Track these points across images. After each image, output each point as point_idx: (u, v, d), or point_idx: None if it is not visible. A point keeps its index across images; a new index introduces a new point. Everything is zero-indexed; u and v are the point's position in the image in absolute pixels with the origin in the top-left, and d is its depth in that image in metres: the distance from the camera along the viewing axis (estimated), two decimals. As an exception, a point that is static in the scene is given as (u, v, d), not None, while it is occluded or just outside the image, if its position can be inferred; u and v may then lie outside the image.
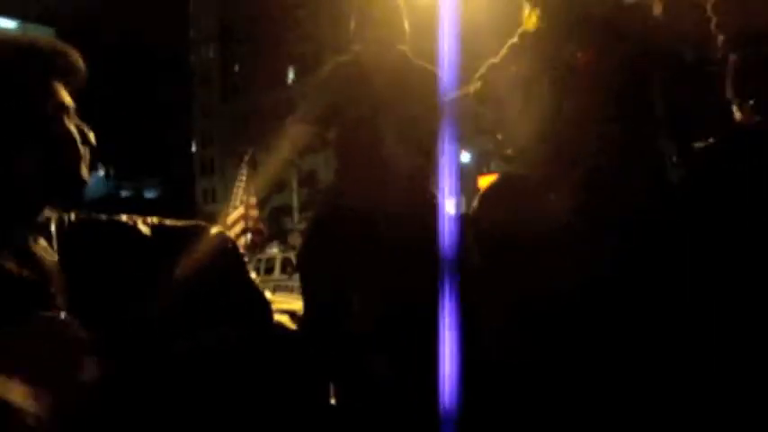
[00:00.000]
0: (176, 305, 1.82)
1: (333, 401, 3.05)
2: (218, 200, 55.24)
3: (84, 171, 1.65)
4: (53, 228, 1.75)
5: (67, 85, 1.63)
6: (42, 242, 1.63)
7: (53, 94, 1.58)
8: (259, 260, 20.27)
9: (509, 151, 2.83)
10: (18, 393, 1.33)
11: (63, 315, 1.47)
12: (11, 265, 1.51)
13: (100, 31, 46.88)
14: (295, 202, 44.03)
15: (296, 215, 43.53)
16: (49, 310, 1.51)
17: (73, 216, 1.82)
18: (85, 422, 1.44)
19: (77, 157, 1.62)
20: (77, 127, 1.63)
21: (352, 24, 3.38)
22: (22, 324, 1.41)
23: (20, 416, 1.32)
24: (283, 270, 20.87)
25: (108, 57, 47.05)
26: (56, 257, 1.64)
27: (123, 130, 47.98)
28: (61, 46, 1.62)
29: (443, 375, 2.82)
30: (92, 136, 1.66)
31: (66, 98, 1.61)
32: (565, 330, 2.49)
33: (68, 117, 1.61)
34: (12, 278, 1.49)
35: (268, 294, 2.26)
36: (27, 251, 1.58)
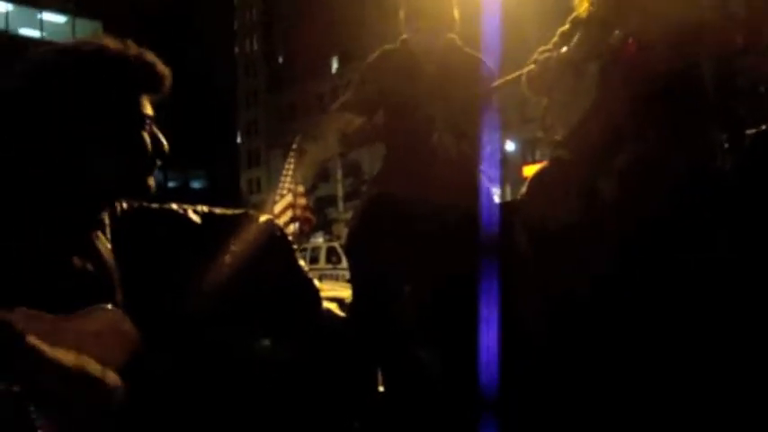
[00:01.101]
0: (227, 293, 1.84)
1: (380, 389, 3.06)
2: (263, 190, 55.66)
3: (152, 181, 1.69)
4: (105, 216, 1.78)
5: (151, 96, 1.68)
6: (102, 237, 1.66)
7: (136, 106, 1.63)
8: (304, 249, 20.40)
9: (558, 137, 2.80)
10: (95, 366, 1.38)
11: (112, 307, 1.50)
12: (75, 260, 1.55)
13: (145, 24, 47.38)
14: (340, 192, 44.19)
15: (341, 205, 43.69)
16: (109, 302, 1.54)
17: (125, 205, 1.84)
18: (138, 410, 1.47)
19: (148, 167, 1.66)
20: (154, 136, 1.67)
21: (402, 14, 3.37)
22: (79, 315, 1.44)
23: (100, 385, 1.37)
24: (328, 260, 20.98)
25: (153, 49, 47.39)
26: (110, 249, 1.67)
27: (169, 122, 48.31)
28: (149, 58, 1.65)
29: (488, 364, 2.82)
30: (166, 146, 1.69)
31: (148, 109, 1.66)
32: (608, 318, 2.46)
33: (147, 127, 1.65)
34: (76, 272, 1.53)
35: (316, 282, 2.27)
36: (89, 246, 1.61)
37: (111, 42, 1.61)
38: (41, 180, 1.53)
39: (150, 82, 1.66)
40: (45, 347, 1.30)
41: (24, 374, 1.27)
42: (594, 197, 2.57)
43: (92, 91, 1.56)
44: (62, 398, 1.32)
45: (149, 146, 1.65)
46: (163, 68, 1.68)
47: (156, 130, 1.67)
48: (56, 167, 1.54)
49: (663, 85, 2.53)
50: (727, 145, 2.63)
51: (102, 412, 1.38)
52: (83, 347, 1.38)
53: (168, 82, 1.69)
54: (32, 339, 1.28)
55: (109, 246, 1.67)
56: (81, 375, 1.35)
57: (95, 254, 1.61)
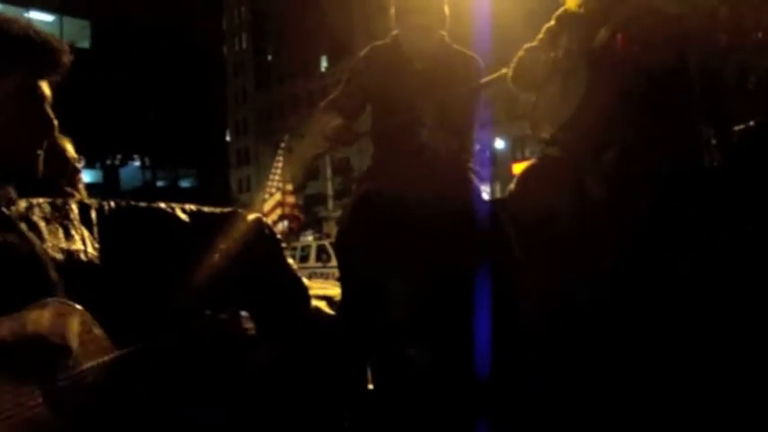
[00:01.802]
0: (215, 291, 1.83)
1: (370, 386, 3.06)
2: (252, 189, 55.55)
3: (41, 159, 1.66)
4: (93, 215, 1.77)
5: (50, 77, 1.67)
6: (23, 226, 1.63)
7: (34, 86, 1.62)
8: (294, 248, 20.39)
9: (545, 135, 2.81)
10: None
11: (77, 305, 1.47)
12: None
13: (133, 24, 47.22)
14: (329, 191, 44.17)
15: (330, 203, 43.66)
16: (41, 281, 1.52)
17: (113, 203, 1.84)
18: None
19: (35, 142, 1.65)
20: (45, 115, 1.65)
21: (392, 10, 3.36)
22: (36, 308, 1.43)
23: None
24: (318, 258, 20.98)
25: (142, 48, 47.39)
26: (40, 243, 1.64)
27: (158, 121, 48.41)
28: (51, 41, 1.64)
29: (478, 360, 2.82)
30: (55, 126, 1.68)
31: (44, 89, 1.64)
32: (597, 314, 2.47)
33: (40, 106, 1.64)
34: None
35: (305, 280, 2.27)
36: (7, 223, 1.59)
37: (16, 22, 1.61)
38: None
39: (49, 64, 1.65)
40: None
41: None
42: (583, 194, 2.58)
43: None
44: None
45: (39, 123, 1.64)
46: (62, 51, 1.66)
47: (48, 110, 1.65)
48: None
49: (650, 81, 2.54)
50: (714, 141, 2.64)
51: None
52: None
53: (67, 62, 1.67)
54: None
55: (36, 239, 1.65)
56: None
57: (12, 230, 1.59)
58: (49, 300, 1.45)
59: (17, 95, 1.59)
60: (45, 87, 1.65)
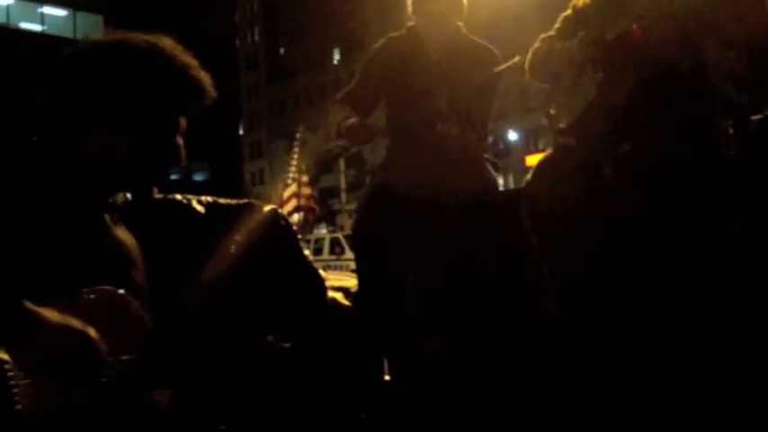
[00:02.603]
0: (231, 282, 1.84)
1: (387, 377, 3.06)
2: (266, 181, 55.65)
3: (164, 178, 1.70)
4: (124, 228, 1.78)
5: (190, 113, 1.71)
6: (121, 224, 1.66)
7: (175, 116, 1.66)
8: (308, 241, 20.41)
9: (562, 125, 2.79)
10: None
11: (116, 290, 1.48)
12: (92, 243, 1.54)
13: (146, 18, 47.36)
14: (342, 184, 44.17)
15: (343, 196, 43.66)
16: (126, 284, 1.53)
17: (128, 196, 1.84)
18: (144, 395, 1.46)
19: (166, 163, 1.68)
20: (177, 145, 1.68)
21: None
22: (86, 295, 1.43)
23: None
24: (332, 250, 20.99)
25: (155, 42, 47.32)
26: (133, 239, 1.66)
27: (172, 115, 48.43)
28: (205, 81, 1.68)
29: (494, 351, 2.82)
30: (184, 156, 1.70)
31: (182, 123, 1.69)
32: (614, 304, 2.46)
33: (176, 136, 1.68)
34: (91, 255, 1.52)
35: (321, 272, 2.27)
36: (105, 229, 1.61)
37: (180, 54, 1.65)
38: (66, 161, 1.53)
39: (195, 102, 1.69)
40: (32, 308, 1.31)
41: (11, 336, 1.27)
42: (599, 184, 2.57)
43: (140, 84, 1.58)
44: (47, 359, 1.31)
45: (172, 149, 1.66)
46: (210, 92, 1.70)
47: (181, 142, 1.69)
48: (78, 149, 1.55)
49: (666, 71, 2.52)
50: (731, 130, 2.62)
51: (86, 380, 1.35)
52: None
53: (210, 103, 1.71)
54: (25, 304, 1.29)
55: (127, 232, 1.67)
56: (67, 334, 1.35)
57: (112, 238, 1.60)
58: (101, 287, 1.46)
59: (159, 127, 1.62)
60: (183, 121, 1.69)
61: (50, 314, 1.33)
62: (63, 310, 1.36)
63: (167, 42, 1.66)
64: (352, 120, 3.26)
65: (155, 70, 1.59)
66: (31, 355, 1.28)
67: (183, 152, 1.69)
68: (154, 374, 1.49)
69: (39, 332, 1.31)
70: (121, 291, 1.47)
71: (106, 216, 1.61)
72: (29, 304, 1.30)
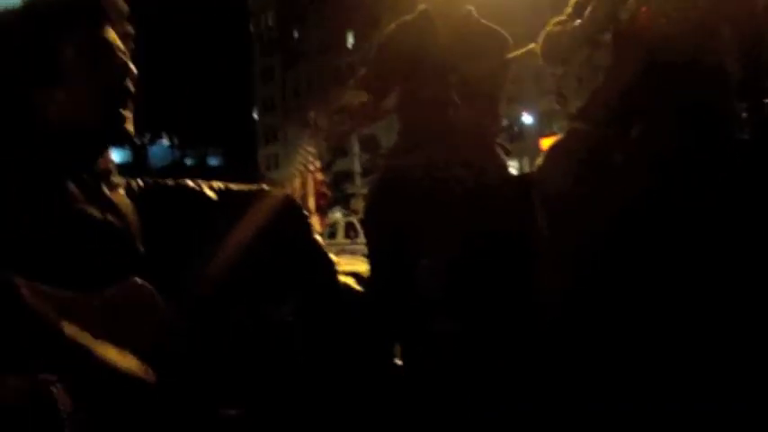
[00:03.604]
0: (244, 269, 1.84)
1: (398, 362, 3.07)
2: (281, 166, 55.67)
3: (130, 118, 1.65)
4: (122, 193, 1.78)
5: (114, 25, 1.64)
6: (120, 191, 1.66)
7: (96, 34, 1.59)
8: (324, 220, 20.42)
9: (572, 108, 2.79)
10: (114, 353, 1.37)
11: (142, 282, 1.47)
12: (93, 211, 1.54)
13: (161, 4, 47.40)
14: (357, 167, 44.14)
15: (358, 179, 43.65)
16: (129, 253, 1.53)
17: (141, 182, 1.85)
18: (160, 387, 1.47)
19: (120, 98, 1.62)
20: (122, 65, 1.62)
21: None
22: (107, 292, 1.43)
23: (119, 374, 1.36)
24: (346, 234, 21.01)
25: (169, 28, 47.51)
26: (129, 204, 1.66)
27: (186, 100, 48.60)
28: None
29: (507, 336, 2.82)
30: (135, 73, 1.64)
31: (111, 36, 1.61)
32: (624, 291, 2.46)
33: (113, 56, 1.61)
34: (96, 223, 1.53)
35: (333, 257, 2.27)
36: (105, 198, 1.60)
37: None
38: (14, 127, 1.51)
39: (108, 10, 1.62)
40: (83, 337, 1.29)
41: (62, 365, 1.25)
42: (611, 168, 2.56)
43: (45, 26, 1.54)
44: (97, 389, 1.31)
45: (117, 75, 1.61)
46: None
47: (125, 59, 1.62)
48: (13, 110, 1.52)
49: (677, 54, 2.51)
50: (745, 114, 2.61)
51: (131, 403, 1.36)
52: (112, 326, 1.38)
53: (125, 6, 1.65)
54: (70, 330, 1.27)
55: (128, 201, 1.67)
56: (120, 371, 1.33)
57: (111, 206, 1.60)
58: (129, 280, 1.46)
59: (83, 54, 1.56)
60: (112, 36, 1.61)
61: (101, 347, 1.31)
62: (91, 312, 1.36)
63: None
64: (363, 98, 3.26)
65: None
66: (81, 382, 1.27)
67: (133, 68, 1.63)
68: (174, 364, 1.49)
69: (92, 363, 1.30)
70: (145, 283, 1.46)
71: (102, 185, 1.60)
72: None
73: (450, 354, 3.01)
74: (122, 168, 1.80)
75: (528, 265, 2.80)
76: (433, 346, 3.05)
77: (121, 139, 1.68)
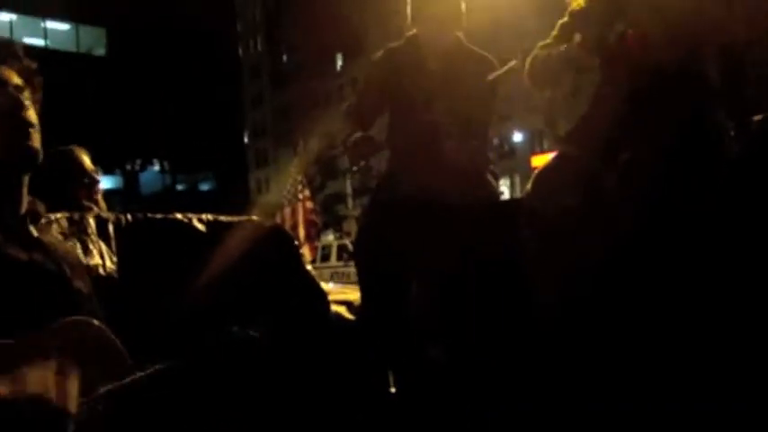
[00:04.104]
0: (234, 300, 1.84)
1: (392, 390, 3.06)
2: (272, 190, 55.67)
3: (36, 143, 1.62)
4: (111, 229, 1.78)
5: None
6: (53, 231, 1.63)
7: None
8: (315, 248, 20.41)
9: (562, 133, 2.79)
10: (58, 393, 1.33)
11: (96, 322, 1.44)
12: (16, 252, 1.50)
13: (149, 30, 47.56)
14: (348, 189, 44.20)
15: (350, 202, 43.71)
16: (64, 292, 1.50)
17: (129, 216, 1.85)
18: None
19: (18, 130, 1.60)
20: (16, 103, 1.60)
21: (409, 8, 3.35)
22: (53, 328, 1.39)
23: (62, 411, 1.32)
24: (339, 257, 21.02)
25: (158, 54, 47.67)
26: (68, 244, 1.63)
27: (176, 126, 48.71)
28: None
29: (499, 359, 2.81)
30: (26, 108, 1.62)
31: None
32: (619, 313, 2.46)
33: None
34: (20, 264, 1.49)
35: (324, 285, 2.27)
36: (32, 239, 1.57)
37: None
38: None
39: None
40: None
41: None
42: (600, 192, 2.56)
43: None
44: None
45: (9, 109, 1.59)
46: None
47: (17, 93, 1.61)
48: None
49: (664, 77, 2.52)
50: (733, 132, 2.62)
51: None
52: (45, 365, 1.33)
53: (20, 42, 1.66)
54: None
55: (61, 239, 1.64)
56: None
57: (40, 246, 1.57)
58: (70, 318, 1.42)
59: None
60: (5, 74, 1.61)
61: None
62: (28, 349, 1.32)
63: None
64: (356, 135, 3.25)
65: None
66: None
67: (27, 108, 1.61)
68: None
69: None
70: (93, 320, 1.43)
71: (28, 226, 1.58)
72: None
73: (443, 379, 3.00)
74: (113, 194, 1.80)
75: (518, 290, 2.79)
76: (425, 371, 3.04)
77: (29, 163, 1.63)
